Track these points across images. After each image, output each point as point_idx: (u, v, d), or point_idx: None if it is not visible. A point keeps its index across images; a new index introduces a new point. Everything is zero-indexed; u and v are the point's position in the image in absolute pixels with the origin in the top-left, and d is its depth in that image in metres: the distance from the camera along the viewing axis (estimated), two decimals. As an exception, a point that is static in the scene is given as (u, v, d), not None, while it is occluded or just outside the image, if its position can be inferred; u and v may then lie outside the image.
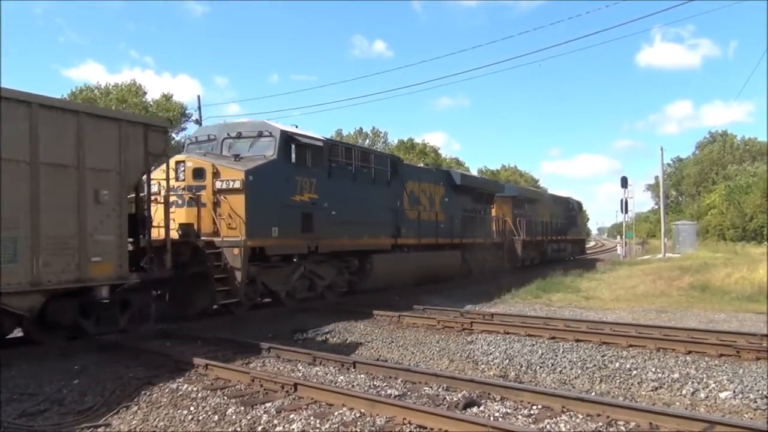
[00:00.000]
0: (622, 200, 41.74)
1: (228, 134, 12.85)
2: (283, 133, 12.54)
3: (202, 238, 11.07)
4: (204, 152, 12.46)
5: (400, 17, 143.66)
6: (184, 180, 11.42)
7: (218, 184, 11.49)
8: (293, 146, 12.73)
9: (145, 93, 45.07)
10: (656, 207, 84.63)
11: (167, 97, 45.55)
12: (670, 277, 20.72)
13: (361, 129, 73.48)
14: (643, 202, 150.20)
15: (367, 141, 73.30)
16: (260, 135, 12.56)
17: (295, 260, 12.99)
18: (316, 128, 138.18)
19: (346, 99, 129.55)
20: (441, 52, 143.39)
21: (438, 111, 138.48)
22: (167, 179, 10.14)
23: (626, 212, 43.52)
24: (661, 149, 41.83)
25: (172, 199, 10.64)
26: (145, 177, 9.61)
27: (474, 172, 75.83)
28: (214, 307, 11.61)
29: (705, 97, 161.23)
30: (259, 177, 11.69)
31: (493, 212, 24.18)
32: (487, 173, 78.45)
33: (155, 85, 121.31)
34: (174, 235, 10.45)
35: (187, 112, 44.51)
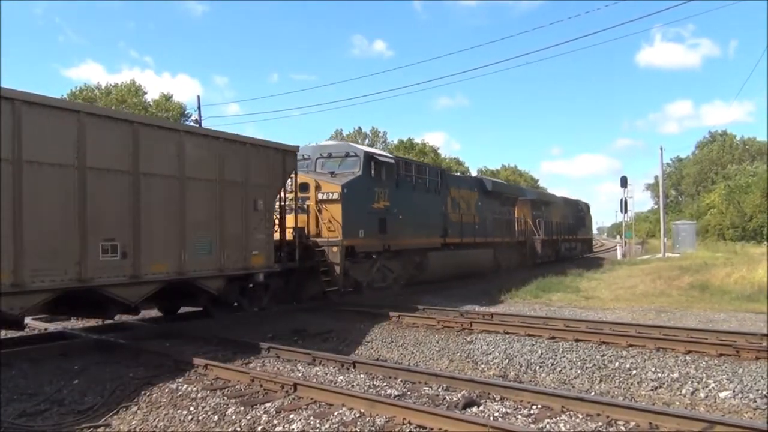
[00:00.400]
0: (621, 200, 41.82)
1: (320, 155, 15.51)
2: (366, 154, 15.45)
3: (310, 239, 13.65)
4: (307, 170, 14.87)
5: (400, 17, 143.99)
6: (292, 192, 13.62)
7: (320, 196, 14.26)
8: (373, 164, 15.49)
9: (145, 93, 45.12)
10: (656, 207, 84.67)
11: (167, 98, 45.56)
12: (670, 277, 20.73)
13: (360, 129, 73.55)
14: (642, 201, 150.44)
15: (367, 141, 73.31)
16: (347, 155, 15.38)
17: (374, 256, 15.62)
18: (316, 128, 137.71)
19: (346, 99, 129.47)
20: (441, 51, 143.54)
21: (438, 111, 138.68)
22: (284, 192, 12.99)
23: (626, 212, 43.58)
24: (661, 149, 41.85)
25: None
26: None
27: (473, 172, 75.97)
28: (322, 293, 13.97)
29: (705, 97, 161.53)
30: (351, 189, 14.50)
31: (516, 214, 26.37)
32: (486, 173, 78.46)
33: (155, 85, 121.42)
34: (289, 236, 13.10)
35: (186, 112, 44.51)
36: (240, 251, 11.04)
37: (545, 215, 29.76)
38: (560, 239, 32.37)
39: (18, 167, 7.56)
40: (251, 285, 11.74)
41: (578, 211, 37.94)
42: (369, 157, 15.43)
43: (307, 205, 14.03)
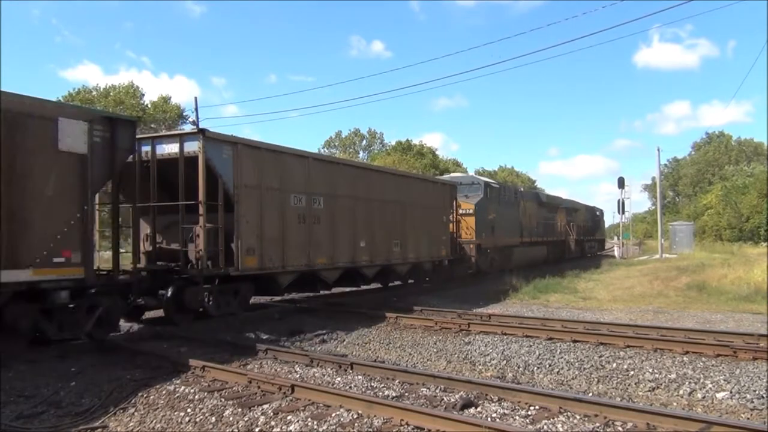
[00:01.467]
0: (619, 201, 41.95)
1: (460, 183, 22.26)
2: (485, 182, 24.00)
3: (458, 239, 20.97)
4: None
5: (397, 17, 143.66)
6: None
7: (460, 211, 21.49)
8: (488, 189, 23.70)
9: (143, 95, 45.07)
10: (653, 207, 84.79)
11: (165, 99, 45.52)
12: (667, 278, 20.78)
13: (358, 130, 73.67)
14: (640, 202, 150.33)
15: (364, 142, 73.38)
16: (473, 183, 23.61)
17: (488, 251, 23.12)
18: (314, 129, 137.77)
19: (344, 100, 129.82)
20: (440, 52, 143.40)
21: (436, 112, 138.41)
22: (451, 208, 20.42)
23: (623, 213, 43.67)
24: (658, 150, 42.01)
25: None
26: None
27: (472, 173, 75.93)
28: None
29: (703, 97, 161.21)
30: (479, 207, 22.33)
31: (557, 219, 33.69)
32: (485, 174, 78.54)
33: (152, 86, 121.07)
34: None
35: (184, 114, 44.46)
36: (438, 246, 18.95)
37: (575, 219, 37.21)
38: (584, 239, 40.37)
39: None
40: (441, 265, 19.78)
41: (595, 216, 45.86)
42: (486, 185, 23.81)
43: (453, 217, 20.54)
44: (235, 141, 11.53)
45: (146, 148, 11.25)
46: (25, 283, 7.84)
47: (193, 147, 10.78)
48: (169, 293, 10.55)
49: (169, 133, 11.53)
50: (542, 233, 30.03)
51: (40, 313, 8.33)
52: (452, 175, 26.99)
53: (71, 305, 8.63)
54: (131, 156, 9.70)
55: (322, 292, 14.89)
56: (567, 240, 34.95)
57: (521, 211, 26.92)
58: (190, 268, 10.77)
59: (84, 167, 8.54)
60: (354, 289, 17.19)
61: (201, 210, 10.65)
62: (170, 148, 11.11)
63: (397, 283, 18.25)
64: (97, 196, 9.69)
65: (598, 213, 46.65)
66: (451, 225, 20.03)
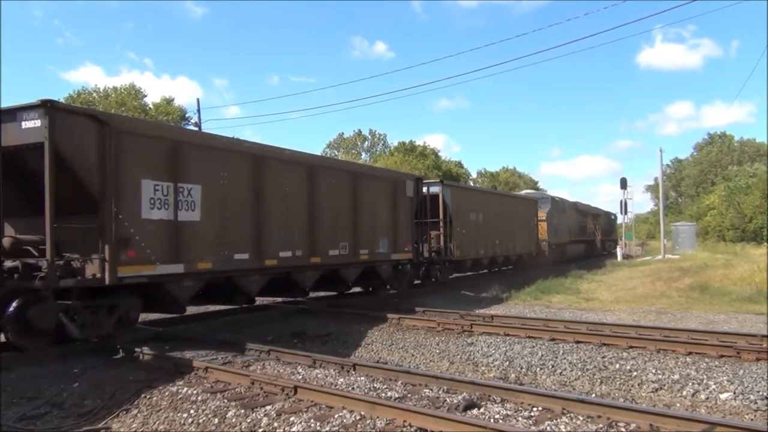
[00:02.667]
0: (621, 201, 41.97)
1: (539, 198, 31.02)
2: (551, 198, 31.96)
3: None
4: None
5: (399, 18, 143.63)
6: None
7: (536, 219, 28.16)
8: (553, 201, 31.47)
9: (145, 96, 45.11)
10: (655, 208, 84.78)
11: (168, 101, 45.56)
12: (670, 278, 20.76)
13: (360, 131, 73.73)
14: (642, 203, 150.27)
15: (366, 143, 73.44)
16: (543, 197, 31.54)
17: (554, 246, 30.58)
18: (316, 130, 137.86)
19: (346, 101, 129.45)
20: (442, 53, 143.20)
21: (438, 113, 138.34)
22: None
23: (625, 213, 43.67)
24: (660, 150, 41.95)
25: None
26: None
27: (474, 174, 76.20)
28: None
29: (706, 98, 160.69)
30: (549, 215, 29.89)
31: (588, 223, 41.55)
32: (487, 175, 78.58)
33: (154, 87, 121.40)
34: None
35: (186, 115, 44.51)
36: (529, 244, 26.60)
37: (598, 223, 44.84)
38: (605, 239, 47.59)
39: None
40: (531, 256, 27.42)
41: (610, 219, 52.70)
42: (552, 198, 31.98)
43: (536, 223, 28.33)
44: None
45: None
46: None
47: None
48: None
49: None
50: (580, 234, 38.10)
51: None
52: (528, 191, 38.79)
53: None
54: None
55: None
56: (595, 240, 43.26)
57: (568, 218, 35.14)
58: None
59: None
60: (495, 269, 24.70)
61: None
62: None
63: (509, 267, 25.80)
64: None
65: (612, 217, 53.63)
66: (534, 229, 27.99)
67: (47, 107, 7.83)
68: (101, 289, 8.56)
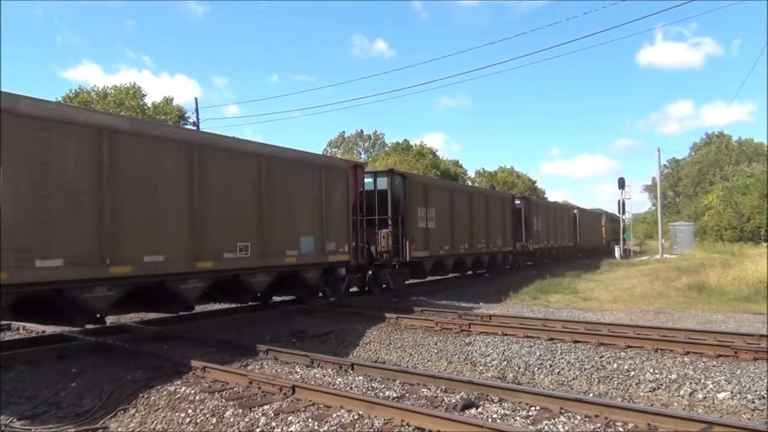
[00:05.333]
0: (619, 201, 42.00)
1: (600, 210, 51.51)
2: (602, 211, 52.28)
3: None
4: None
5: (399, 16, 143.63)
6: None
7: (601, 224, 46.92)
8: (604, 213, 52.03)
9: (144, 95, 44.99)
10: (654, 208, 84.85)
11: (168, 100, 45.44)
12: (668, 278, 20.78)
13: (362, 132, 73.80)
14: (641, 203, 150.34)
15: (367, 143, 73.52)
16: (599, 209, 52.70)
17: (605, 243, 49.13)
18: (317, 129, 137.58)
19: (346, 100, 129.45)
20: (443, 51, 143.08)
21: (439, 111, 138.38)
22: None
23: (623, 213, 43.70)
24: (658, 150, 42.08)
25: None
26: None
27: (471, 174, 76.22)
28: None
29: (706, 97, 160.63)
30: (605, 223, 50.76)
31: (602, 225, 50.41)
32: (485, 175, 78.56)
33: (153, 86, 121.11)
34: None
35: (186, 115, 44.41)
36: (600, 240, 47.61)
37: (607, 225, 51.31)
38: (611, 239, 52.29)
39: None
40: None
41: (614, 221, 57.26)
42: (603, 211, 50.97)
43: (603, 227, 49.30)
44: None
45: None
46: None
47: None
48: None
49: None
50: (600, 235, 48.97)
51: None
52: (591, 208, 50.56)
53: None
54: None
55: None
56: (605, 239, 50.46)
57: (601, 221, 49.18)
58: None
59: None
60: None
61: None
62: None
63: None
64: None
65: (614, 218, 58.25)
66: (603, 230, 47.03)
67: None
68: None
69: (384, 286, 16.24)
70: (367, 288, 16.05)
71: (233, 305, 13.24)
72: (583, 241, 39.54)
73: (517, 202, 26.66)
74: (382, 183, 16.37)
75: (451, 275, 20.89)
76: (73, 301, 8.30)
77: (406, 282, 17.58)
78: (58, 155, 8.01)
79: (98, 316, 9.04)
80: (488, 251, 22.25)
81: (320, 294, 13.93)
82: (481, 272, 23.50)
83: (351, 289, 15.34)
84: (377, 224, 15.90)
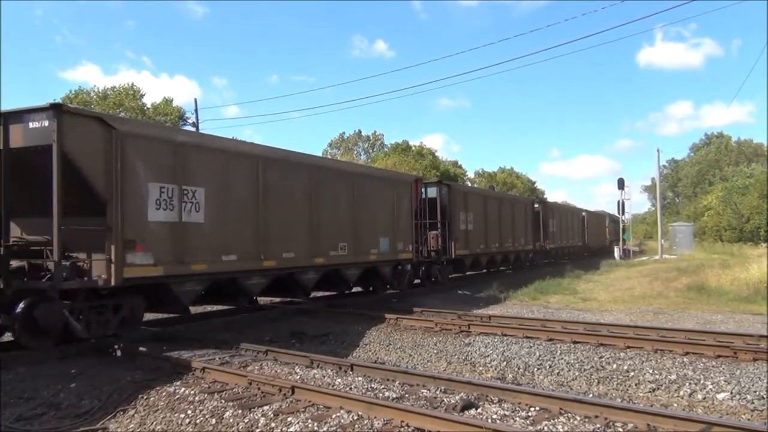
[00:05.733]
0: (618, 202, 42.01)
1: (609, 214, 53.61)
2: (609, 214, 53.74)
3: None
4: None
5: (399, 17, 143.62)
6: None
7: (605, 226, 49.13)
8: (608, 215, 53.55)
9: (143, 95, 44.98)
10: (653, 209, 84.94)
11: (167, 101, 45.43)
12: (667, 279, 20.78)
13: (360, 132, 73.78)
14: (640, 203, 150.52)
15: (366, 144, 73.56)
16: (607, 214, 53.90)
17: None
18: (316, 130, 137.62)
19: (346, 101, 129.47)
20: (443, 52, 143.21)
21: (438, 112, 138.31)
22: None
23: (623, 213, 43.73)
24: (658, 151, 42.17)
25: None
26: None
27: (471, 175, 76.29)
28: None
29: (706, 97, 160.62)
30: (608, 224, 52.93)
31: (606, 227, 52.61)
32: (484, 175, 78.58)
33: (152, 86, 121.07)
34: None
35: (185, 116, 44.40)
36: (604, 241, 49.80)
37: (609, 226, 52.97)
38: (613, 239, 53.82)
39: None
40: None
41: (616, 223, 58.91)
42: (611, 216, 51.39)
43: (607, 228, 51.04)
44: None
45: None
46: None
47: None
48: None
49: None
50: (603, 234, 50.95)
51: None
52: (595, 210, 52.12)
53: None
54: None
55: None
56: (608, 239, 52.69)
57: (605, 224, 51.33)
58: None
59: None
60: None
61: None
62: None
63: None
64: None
65: (615, 219, 59.86)
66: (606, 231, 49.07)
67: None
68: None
69: (433, 279, 18.81)
70: (420, 281, 18.34)
71: (289, 299, 14.68)
72: (590, 241, 42.52)
73: (536, 206, 29.77)
74: (432, 192, 18.93)
75: (484, 270, 23.81)
76: (239, 286, 10.93)
77: (450, 276, 20.11)
78: (234, 178, 10.69)
79: (255, 298, 12.04)
80: (514, 250, 25.44)
81: (388, 286, 16.41)
82: (503, 269, 26.02)
83: (412, 281, 17.67)
84: (428, 227, 18.26)
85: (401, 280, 16.52)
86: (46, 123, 8.10)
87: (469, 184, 61.97)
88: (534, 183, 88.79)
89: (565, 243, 34.79)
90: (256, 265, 11.05)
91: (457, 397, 6.41)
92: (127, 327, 9.43)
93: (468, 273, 22.03)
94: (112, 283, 8.57)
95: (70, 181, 8.12)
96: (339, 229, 13.43)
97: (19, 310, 8.11)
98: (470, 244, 20.54)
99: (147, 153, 9.15)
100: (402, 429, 5.44)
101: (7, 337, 10.88)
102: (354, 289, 15.89)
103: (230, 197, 10.51)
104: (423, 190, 18.04)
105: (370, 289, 16.40)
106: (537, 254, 29.52)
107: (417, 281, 18.21)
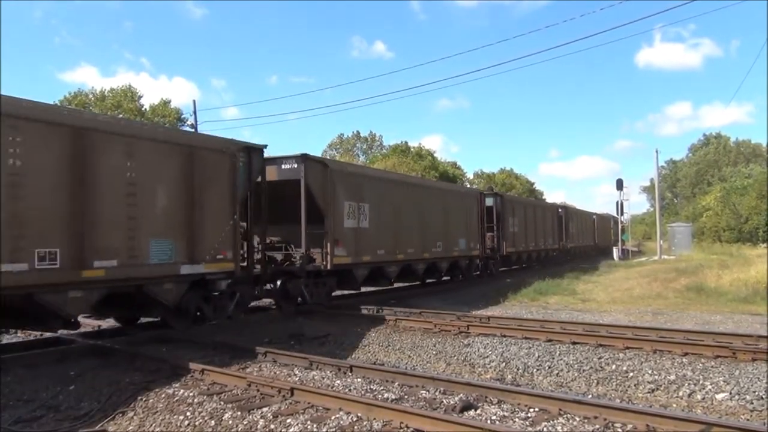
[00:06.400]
0: (617, 202, 42.07)
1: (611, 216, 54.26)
2: (613, 216, 51.24)
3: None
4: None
5: (398, 17, 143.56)
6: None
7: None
8: (613, 219, 52.85)
9: (141, 97, 44.97)
10: (652, 209, 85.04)
11: (165, 102, 45.44)
12: (666, 279, 20.78)
13: (359, 133, 73.77)
14: (639, 204, 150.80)
15: (365, 145, 73.56)
16: (611, 215, 53.76)
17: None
18: (315, 131, 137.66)
19: (345, 102, 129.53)
20: (442, 53, 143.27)
21: (438, 113, 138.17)
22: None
23: (622, 214, 43.79)
24: (656, 151, 42.29)
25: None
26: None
27: (470, 176, 76.40)
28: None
29: (705, 98, 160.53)
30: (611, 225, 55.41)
31: (611, 227, 54.83)
32: (483, 176, 78.61)
33: (151, 88, 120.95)
34: None
35: (183, 117, 44.40)
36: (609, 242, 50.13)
37: (614, 227, 53.73)
38: (615, 239, 54.46)
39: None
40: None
41: (612, 222, 61.07)
42: (614, 219, 48.68)
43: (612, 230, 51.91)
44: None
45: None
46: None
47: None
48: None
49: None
50: (609, 235, 53.29)
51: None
52: (606, 213, 54.61)
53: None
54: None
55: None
56: (613, 239, 55.18)
57: (609, 225, 53.69)
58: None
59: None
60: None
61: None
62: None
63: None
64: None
65: (612, 221, 61.55)
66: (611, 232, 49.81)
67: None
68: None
69: (489, 271, 23.45)
70: (479, 272, 22.64)
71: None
72: (599, 241, 48.09)
73: (560, 210, 34.84)
74: (489, 201, 23.18)
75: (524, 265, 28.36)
76: (384, 272, 15.66)
77: (500, 269, 25.00)
78: (382, 198, 15.44)
79: (391, 281, 16.56)
80: (545, 248, 30.30)
81: (460, 276, 20.95)
82: (534, 265, 29.60)
83: (474, 273, 22.09)
84: (486, 229, 22.39)
85: (470, 271, 21.42)
86: (296, 165, 12.83)
87: (468, 185, 62.00)
88: (533, 184, 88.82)
89: (581, 243, 40.12)
90: (393, 258, 15.72)
91: (457, 398, 6.41)
92: (327, 297, 14.17)
93: (502, 268, 25.68)
94: (328, 267, 13.24)
95: (307, 201, 12.69)
96: (436, 232, 18.02)
97: (278, 284, 12.94)
98: (516, 244, 25.27)
99: (343, 182, 13.90)
100: (401, 430, 5.44)
101: (7, 339, 10.91)
102: (439, 278, 19.96)
103: (381, 210, 15.13)
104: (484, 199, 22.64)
105: (432, 280, 19.97)
106: (560, 252, 33.82)
107: (476, 273, 22.34)
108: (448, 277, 20.52)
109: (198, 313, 10.76)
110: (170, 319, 10.47)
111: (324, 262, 13.16)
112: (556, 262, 32.40)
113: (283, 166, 13.01)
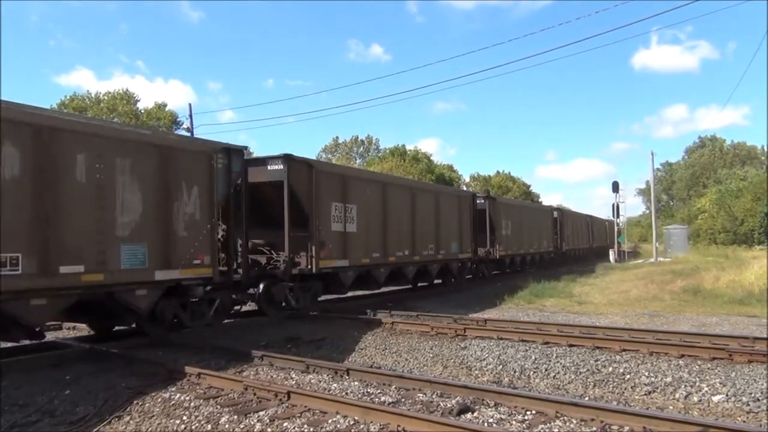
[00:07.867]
0: (613, 205, 42.17)
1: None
2: (609, 220, 52.16)
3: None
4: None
5: (395, 20, 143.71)
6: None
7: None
8: (609, 222, 52.50)
9: (137, 101, 44.91)
10: (648, 211, 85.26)
11: (160, 106, 45.39)
12: (662, 281, 20.82)
13: (357, 137, 73.85)
14: (635, 206, 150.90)
15: (362, 148, 73.65)
16: (608, 219, 54.87)
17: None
18: (312, 134, 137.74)
19: (342, 105, 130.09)
20: (439, 55, 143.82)
21: (434, 115, 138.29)
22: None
23: (617, 216, 43.88)
24: (652, 154, 42.30)
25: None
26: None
27: (467, 178, 76.51)
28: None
29: (701, 101, 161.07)
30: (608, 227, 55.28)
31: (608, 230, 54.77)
32: (480, 179, 78.71)
33: (147, 91, 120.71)
34: None
35: (178, 120, 44.34)
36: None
37: (608, 229, 54.43)
38: (612, 242, 53.67)
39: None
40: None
41: (607, 225, 61.17)
42: (612, 222, 45.17)
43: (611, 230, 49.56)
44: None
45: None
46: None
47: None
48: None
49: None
50: (605, 237, 53.64)
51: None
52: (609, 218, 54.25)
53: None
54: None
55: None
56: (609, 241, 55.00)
57: (604, 227, 53.86)
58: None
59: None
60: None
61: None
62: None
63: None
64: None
65: (607, 223, 61.83)
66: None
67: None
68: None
69: (481, 275, 23.37)
70: (471, 276, 22.63)
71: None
72: (594, 243, 48.74)
73: (555, 213, 35.04)
74: (481, 203, 23.25)
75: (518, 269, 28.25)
76: (372, 276, 15.31)
77: (493, 273, 24.91)
78: (370, 199, 15.19)
79: (380, 284, 16.11)
80: (538, 251, 30.15)
81: (452, 280, 20.58)
82: (529, 268, 29.41)
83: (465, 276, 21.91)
84: (478, 232, 22.15)
85: (462, 275, 21.06)
86: (280, 167, 12.40)
87: (465, 188, 62.08)
88: (529, 186, 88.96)
89: (577, 245, 40.19)
90: (382, 261, 15.50)
91: (453, 401, 6.41)
92: (314, 301, 13.95)
93: (495, 272, 25.55)
94: (313, 271, 12.96)
95: (291, 203, 12.43)
96: (427, 235, 17.82)
97: (261, 288, 12.30)
98: (509, 247, 25.08)
99: (329, 183, 13.59)
100: (398, 433, 5.43)
101: (2, 343, 10.84)
102: (431, 282, 19.59)
103: (370, 211, 14.90)
104: (476, 202, 22.39)
105: (424, 283, 19.69)
106: (556, 255, 33.75)
107: (469, 276, 22.20)
108: (440, 281, 20.22)
109: (175, 320, 10.45)
110: (145, 326, 10.11)
111: (309, 266, 12.86)
112: (552, 265, 32.49)
113: (268, 168, 12.66)
